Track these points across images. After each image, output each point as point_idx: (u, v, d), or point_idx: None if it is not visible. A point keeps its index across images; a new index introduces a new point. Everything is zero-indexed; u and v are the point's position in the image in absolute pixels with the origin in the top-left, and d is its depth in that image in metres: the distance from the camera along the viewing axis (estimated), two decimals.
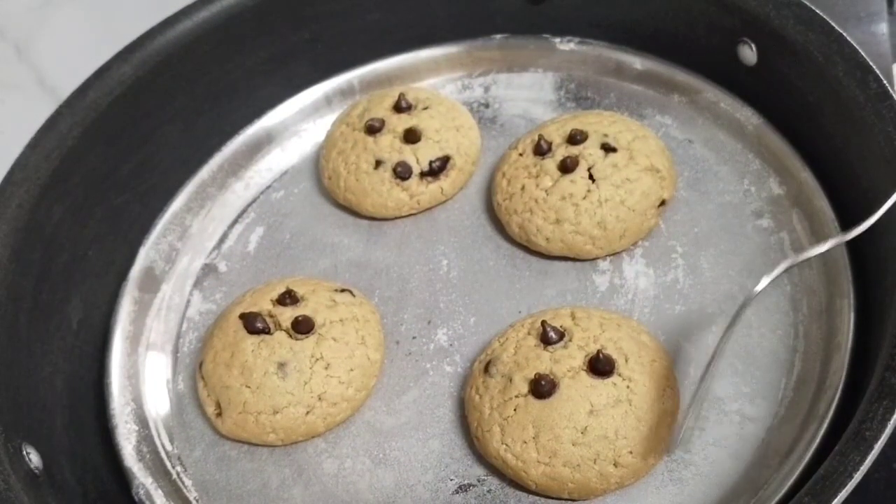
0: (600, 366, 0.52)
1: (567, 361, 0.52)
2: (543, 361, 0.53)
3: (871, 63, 0.55)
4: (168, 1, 0.67)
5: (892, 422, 0.43)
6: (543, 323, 0.54)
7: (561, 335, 0.54)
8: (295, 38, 0.70)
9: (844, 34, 0.57)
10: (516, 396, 0.52)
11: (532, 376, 0.52)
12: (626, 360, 0.52)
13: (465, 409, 0.56)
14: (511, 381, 0.53)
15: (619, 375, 0.52)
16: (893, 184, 0.50)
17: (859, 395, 0.47)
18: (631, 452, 0.50)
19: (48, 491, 0.51)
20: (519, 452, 0.51)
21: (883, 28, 0.72)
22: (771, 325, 0.57)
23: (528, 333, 0.55)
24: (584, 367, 0.52)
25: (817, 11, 0.58)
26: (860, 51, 0.56)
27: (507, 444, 0.52)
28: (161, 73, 0.65)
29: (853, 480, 0.42)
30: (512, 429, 0.52)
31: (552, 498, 0.52)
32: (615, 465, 0.50)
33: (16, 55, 0.90)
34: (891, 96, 0.53)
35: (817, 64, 0.57)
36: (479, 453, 0.54)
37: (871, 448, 0.42)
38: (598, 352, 0.52)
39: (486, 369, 0.54)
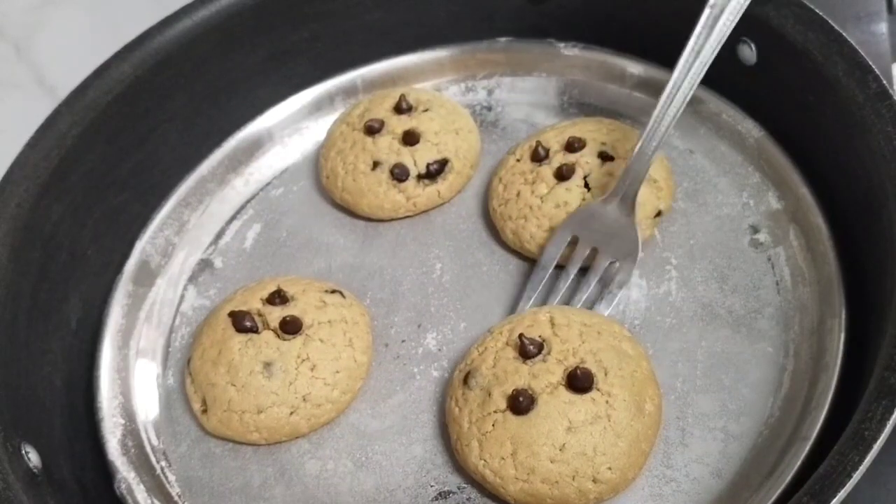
0: (578, 382, 0.51)
1: (545, 376, 0.52)
2: (522, 376, 0.52)
3: (870, 63, 0.55)
4: (167, 0, 0.67)
5: (891, 421, 0.43)
6: (521, 336, 0.53)
7: (540, 348, 0.53)
8: (294, 37, 0.70)
9: (844, 34, 0.56)
10: (495, 412, 0.52)
11: (510, 392, 0.51)
12: (606, 374, 0.52)
13: (445, 419, 0.55)
14: (490, 395, 0.52)
15: (598, 390, 0.51)
16: (893, 183, 0.50)
17: (845, 417, 0.46)
18: (610, 469, 0.50)
19: (47, 490, 0.51)
20: (497, 468, 0.51)
21: (882, 28, 0.71)
22: (762, 341, 0.56)
23: (507, 344, 0.54)
24: (563, 383, 0.52)
25: (817, 11, 0.58)
26: (860, 50, 0.55)
27: (485, 460, 0.51)
28: (160, 73, 0.65)
29: (852, 480, 0.42)
30: (490, 445, 0.51)
31: None
32: (594, 481, 0.50)
33: (15, 54, 0.90)
34: (890, 96, 0.53)
35: (817, 64, 0.57)
36: (460, 464, 0.54)
37: (870, 448, 0.42)
38: (577, 367, 0.51)
39: (466, 381, 0.54)
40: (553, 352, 0.53)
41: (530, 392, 0.51)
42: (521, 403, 0.51)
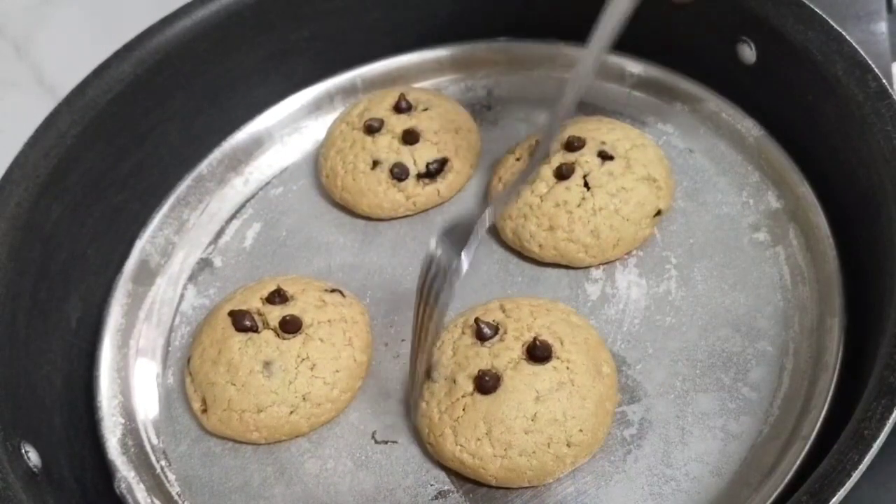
0: (538, 352, 0.53)
1: (506, 354, 0.53)
2: (483, 358, 0.54)
3: (870, 62, 0.55)
4: (167, 0, 0.67)
5: (891, 420, 0.43)
6: (477, 320, 0.55)
7: (495, 329, 0.55)
8: (294, 36, 0.70)
9: (843, 33, 0.56)
10: (463, 396, 0.53)
11: (475, 373, 0.53)
12: (562, 343, 0.54)
13: (412, 419, 0.56)
14: (455, 382, 0.54)
15: (558, 358, 0.53)
16: (893, 182, 0.50)
17: (845, 416, 0.46)
18: (581, 430, 0.52)
19: (47, 490, 0.51)
20: (474, 450, 0.52)
21: (882, 27, 0.71)
22: (761, 340, 0.56)
23: (463, 333, 0.56)
24: (524, 357, 0.53)
25: (816, 10, 0.58)
26: (859, 50, 0.56)
27: (461, 445, 0.52)
28: (160, 72, 0.65)
29: (851, 479, 0.42)
30: (464, 428, 0.52)
31: (514, 489, 0.53)
32: (568, 445, 0.52)
33: (15, 53, 0.90)
34: (890, 95, 0.53)
35: (816, 63, 0.57)
36: (436, 459, 0.55)
37: (869, 447, 0.42)
38: (535, 339, 0.53)
39: (428, 374, 0.55)
40: (509, 331, 0.55)
41: (494, 371, 0.53)
42: (487, 383, 0.52)
